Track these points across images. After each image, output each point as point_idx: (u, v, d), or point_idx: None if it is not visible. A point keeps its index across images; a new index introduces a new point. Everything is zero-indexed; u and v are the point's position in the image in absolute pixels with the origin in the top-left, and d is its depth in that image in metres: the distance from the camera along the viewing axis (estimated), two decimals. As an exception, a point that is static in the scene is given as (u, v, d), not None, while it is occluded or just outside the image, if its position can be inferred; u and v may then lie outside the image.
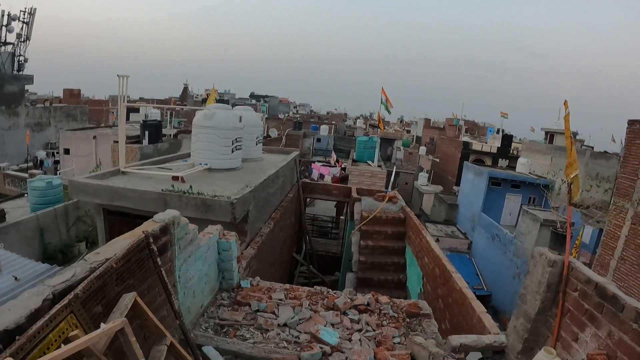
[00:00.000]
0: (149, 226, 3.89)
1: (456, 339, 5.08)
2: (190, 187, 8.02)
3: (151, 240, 3.67)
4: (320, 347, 4.59)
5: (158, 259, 3.74)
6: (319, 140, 44.73)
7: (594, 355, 3.97)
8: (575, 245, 17.56)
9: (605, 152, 34.28)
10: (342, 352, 4.68)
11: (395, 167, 21.52)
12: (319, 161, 33.32)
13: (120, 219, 8.38)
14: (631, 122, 14.03)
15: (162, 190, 7.83)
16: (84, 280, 2.95)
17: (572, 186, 4.89)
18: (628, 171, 14.01)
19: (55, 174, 22.23)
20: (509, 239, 21.57)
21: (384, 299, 6.26)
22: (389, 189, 15.91)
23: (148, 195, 7.79)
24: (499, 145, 41.75)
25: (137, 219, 6.50)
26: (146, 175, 9.68)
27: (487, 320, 6.33)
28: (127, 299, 3.19)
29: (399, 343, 5.20)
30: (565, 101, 5.01)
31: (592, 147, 41.32)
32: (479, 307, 6.87)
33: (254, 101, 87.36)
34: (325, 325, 5.18)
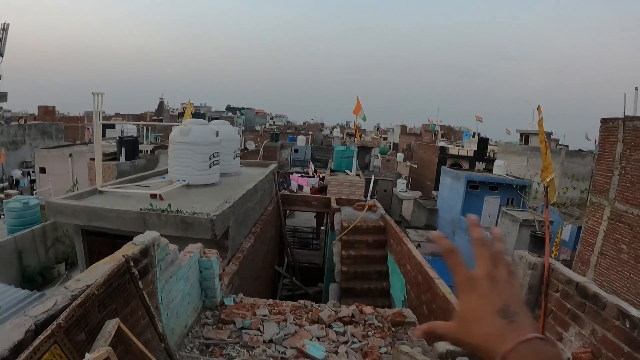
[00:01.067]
0: (128, 249, 3.86)
1: (442, 346, 5.12)
2: (169, 205, 7.95)
3: (131, 264, 3.65)
4: (307, 363, 4.59)
5: (139, 282, 3.72)
6: (296, 151, 44.76)
7: (579, 354, 4.06)
8: (555, 244, 17.88)
9: (580, 150, 34.89)
10: (329, 366, 4.69)
11: (373, 175, 21.60)
12: (297, 172, 33.32)
13: (100, 240, 8.27)
14: (604, 121, 14.38)
15: (141, 209, 7.75)
16: (65, 309, 2.92)
17: (548, 189, 4.98)
18: (603, 168, 14.35)
19: (32, 193, 21.88)
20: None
21: (368, 309, 6.28)
22: (368, 197, 15.99)
23: (127, 214, 7.70)
24: (476, 149, 42.22)
25: (117, 239, 6.45)
26: (124, 193, 9.56)
27: None
28: (111, 326, 3.16)
29: (385, 353, 5.22)
30: (539, 106, 5.12)
31: (567, 146, 42.09)
32: None
33: (230, 114, 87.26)
34: (311, 340, 5.18)
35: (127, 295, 3.67)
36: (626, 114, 13.67)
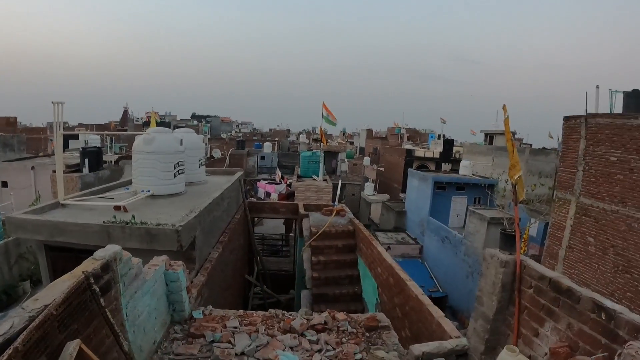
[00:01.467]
0: (89, 265, 3.68)
1: (418, 348, 5.09)
2: (133, 217, 7.73)
3: (92, 280, 3.48)
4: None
5: (101, 300, 3.55)
6: (263, 158, 44.49)
7: (557, 349, 4.07)
8: (523, 240, 18.17)
9: (544, 148, 35.69)
10: (303, 375, 4.59)
11: (340, 180, 21.59)
12: (264, 179, 33.08)
13: (64, 255, 7.96)
14: (567, 119, 14.79)
15: (104, 222, 7.50)
16: (23, 331, 2.75)
17: (516, 187, 4.99)
18: (567, 165, 14.73)
19: (-7, 208, 21.11)
20: (459, 239, 22.07)
21: (340, 315, 6.20)
22: (336, 202, 15.95)
23: (90, 228, 7.44)
24: (441, 150, 42.80)
25: (82, 254, 6.20)
26: (87, 206, 9.25)
27: (447, 324, 6.38)
28: (71, 348, 2.99)
29: (361, 359, 5.14)
30: (504, 105, 5.14)
31: (531, 145, 43.02)
32: (436, 313, 6.91)
33: (195, 122, 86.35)
34: (283, 350, 5.06)
35: (89, 314, 3.50)
36: (588, 112, 14.12)
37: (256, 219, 20.13)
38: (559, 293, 4.32)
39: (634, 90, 14.24)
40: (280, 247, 22.82)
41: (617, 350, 3.46)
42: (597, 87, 14.55)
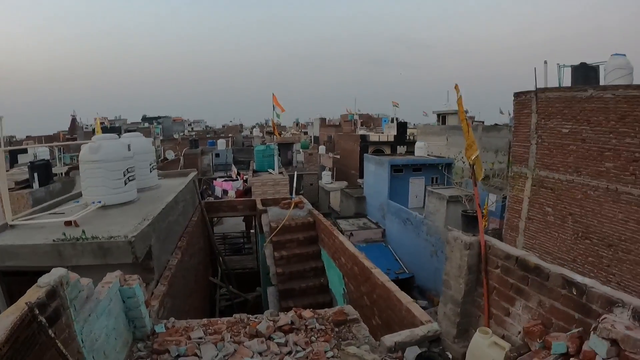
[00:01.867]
0: (32, 295, 3.42)
1: (389, 339, 5.04)
2: (83, 232, 7.37)
3: (37, 311, 3.22)
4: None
5: (50, 331, 3.31)
6: (217, 155, 43.84)
7: (530, 327, 4.07)
8: (483, 216, 18.53)
9: (496, 124, 36.50)
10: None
11: (296, 171, 21.47)
12: (220, 177, 32.65)
13: (18, 279, 7.49)
14: (517, 95, 15.23)
15: (54, 240, 7.14)
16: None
17: (474, 167, 4.96)
18: (521, 139, 15.16)
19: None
20: (420, 220, 22.32)
21: (307, 313, 6.07)
22: (294, 194, 15.83)
23: (40, 248, 7.04)
24: (396, 134, 43.14)
25: (38, 276, 5.87)
26: (38, 224, 8.76)
27: (416, 309, 6.38)
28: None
29: (332, 357, 5.03)
30: (456, 85, 5.08)
31: (483, 122, 43.92)
32: (404, 298, 6.90)
33: (147, 124, 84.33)
34: (252, 357, 4.91)
35: (39, 347, 3.25)
36: (538, 87, 14.44)
37: (215, 218, 19.78)
38: (526, 271, 4.32)
39: (582, 64, 14.63)
40: (242, 245, 22.56)
41: (592, 325, 3.47)
42: (545, 62, 14.94)
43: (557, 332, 3.87)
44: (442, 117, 42.95)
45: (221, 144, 46.44)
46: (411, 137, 43.79)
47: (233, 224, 25.81)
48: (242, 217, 23.28)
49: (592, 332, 3.40)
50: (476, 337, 4.48)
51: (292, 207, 13.73)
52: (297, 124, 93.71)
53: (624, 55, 13.69)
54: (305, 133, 77.45)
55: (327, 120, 79.16)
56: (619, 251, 12.22)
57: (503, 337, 4.49)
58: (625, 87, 12.05)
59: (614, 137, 12.15)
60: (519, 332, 4.33)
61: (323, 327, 5.76)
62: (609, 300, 3.52)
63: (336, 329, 5.75)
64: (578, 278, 3.84)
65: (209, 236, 15.60)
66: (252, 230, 21.65)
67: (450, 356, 5.05)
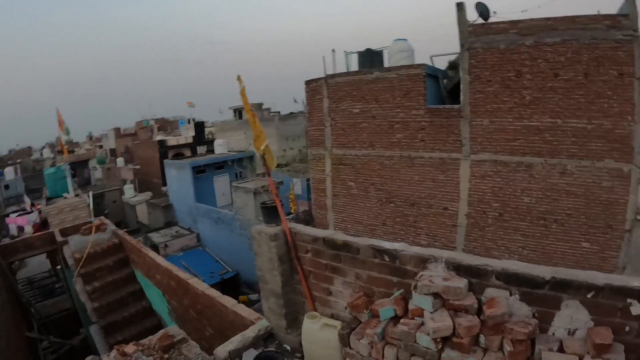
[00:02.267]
0: None
1: (222, 350, 4.94)
2: None
3: None
4: None
5: None
6: (7, 187, 38.60)
7: (354, 301, 4.20)
8: (291, 200, 19.27)
9: (292, 112, 37.87)
10: None
11: (92, 190, 19.91)
12: (14, 212, 28.79)
13: None
14: (308, 82, 16.20)
15: None
16: None
17: (265, 157, 5.01)
18: (315, 123, 16.23)
19: None
20: (231, 217, 22.31)
21: (130, 348, 5.56)
22: (93, 217, 14.67)
23: None
24: (194, 134, 42.46)
25: None
26: None
27: (243, 310, 6.45)
28: None
29: (168, 387, 4.73)
30: (238, 76, 5.11)
31: (279, 112, 45.24)
32: (229, 302, 6.91)
33: None
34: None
35: None
36: (327, 73, 15.60)
37: (16, 262, 17.38)
38: (336, 249, 4.48)
39: (367, 50, 16.06)
40: (53, 285, 20.11)
41: (411, 284, 3.69)
42: (333, 50, 16.22)
43: (381, 300, 4.07)
44: (238, 112, 43.32)
45: (9, 172, 40.92)
46: (210, 136, 43.47)
47: (38, 264, 22.88)
48: (45, 254, 20.86)
49: (413, 291, 3.65)
50: (305, 323, 4.58)
51: (94, 231, 12.65)
52: (90, 138, 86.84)
53: (405, 39, 15.31)
54: (101, 146, 72.23)
55: (122, 130, 74.51)
56: (421, 207, 14.01)
57: (332, 317, 4.65)
58: (407, 67, 13.70)
59: (402, 111, 13.79)
60: (345, 308, 4.49)
61: (152, 358, 5.38)
62: (421, 259, 3.82)
63: (166, 356, 5.41)
64: (387, 245, 4.10)
65: (13, 286, 13.61)
66: (58, 267, 19.49)
67: (288, 348, 5.11)
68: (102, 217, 14.37)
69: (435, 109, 13.30)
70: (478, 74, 12.17)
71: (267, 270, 5.11)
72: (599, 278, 3.13)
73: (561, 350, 3.15)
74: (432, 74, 13.97)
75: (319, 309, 4.85)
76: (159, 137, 47.55)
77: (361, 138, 14.80)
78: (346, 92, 14.85)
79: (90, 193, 16.42)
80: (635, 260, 11.28)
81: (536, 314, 3.35)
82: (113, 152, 63.05)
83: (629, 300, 3.01)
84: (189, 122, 47.37)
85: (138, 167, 44.09)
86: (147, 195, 34.81)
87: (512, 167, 12.18)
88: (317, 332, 4.45)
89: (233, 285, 20.74)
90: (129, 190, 34.94)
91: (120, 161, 45.92)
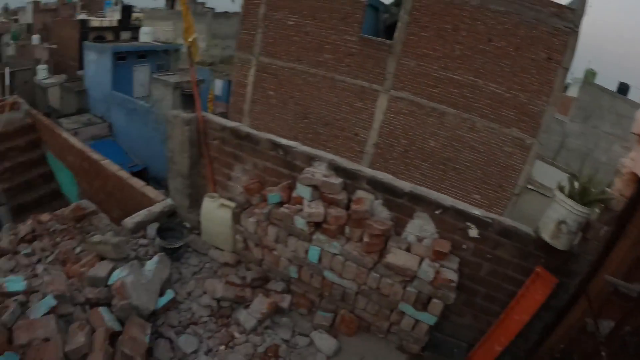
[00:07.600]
0: None
1: (130, 221, 5.36)
2: None
3: None
4: (14, 300, 4.26)
5: None
6: None
7: (249, 185, 5.02)
8: (210, 100, 19.29)
9: (226, 12, 36.39)
10: (36, 290, 4.46)
11: (7, 67, 18.78)
12: None
13: None
14: None
15: None
16: None
17: (191, 49, 5.34)
18: (247, 27, 15.86)
19: None
20: (147, 109, 21.58)
21: (45, 217, 5.86)
22: (8, 94, 14.13)
23: None
24: (120, 18, 39.97)
25: None
26: None
27: (150, 192, 6.64)
28: None
29: (82, 251, 5.08)
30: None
31: (214, 9, 43.16)
32: (137, 183, 7.04)
33: None
34: (5, 276, 4.78)
35: None
36: None
37: None
38: (240, 139, 5.13)
39: None
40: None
41: (297, 176, 4.52)
42: None
43: (271, 187, 4.86)
44: (171, 2, 41.13)
45: None
46: (136, 22, 41.15)
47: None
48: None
49: (297, 182, 4.48)
50: (205, 202, 5.22)
51: (8, 109, 12.24)
52: (6, 10, 78.61)
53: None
54: (16, 21, 65.94)
55: (42, 4, 68.05)
56: (334, 129, 14.67)
57: (229, 199, 5.33)
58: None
59: (335, 34, 13.95)
60: (241, 192, 5.23)
61: (65, 226, 5.68)
62: (309, 157, 4.62)
63: (78, 225, 5.73)
64: (283, 141, 4.84)
65: None
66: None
67: (188, 225, 5.66)
68: (16, 96, 13.87)
69: (368, 39, 13.64)
70: (417, 17, 12.63)
71: (178, 152, 5.52)
72: (447, 200, 4.09)
73: (409, 251, 4.12)
74: (374, 5, 14.25)
75: (219, 191, 5.51)
76: (81, 16, 44.33)
77: (290, 50, 14.87)
78: (285, 2, 14.67)
79: (7, 69, 15.59)
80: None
81: (394, 219, 4.28)
82: (30, 28, 57.96)
83: (467, 223, 3.97)
84: (115, 5, 44.32)
85: (55, 47, 41.11)
86: (61, 77, 32.74)
87: (426, 111, 13.07)
88: (215, 210, 5.15)
89: (141, 179, 20.32)
90: (42, 72, 32.64)
91: (36, 38, 42.31)
